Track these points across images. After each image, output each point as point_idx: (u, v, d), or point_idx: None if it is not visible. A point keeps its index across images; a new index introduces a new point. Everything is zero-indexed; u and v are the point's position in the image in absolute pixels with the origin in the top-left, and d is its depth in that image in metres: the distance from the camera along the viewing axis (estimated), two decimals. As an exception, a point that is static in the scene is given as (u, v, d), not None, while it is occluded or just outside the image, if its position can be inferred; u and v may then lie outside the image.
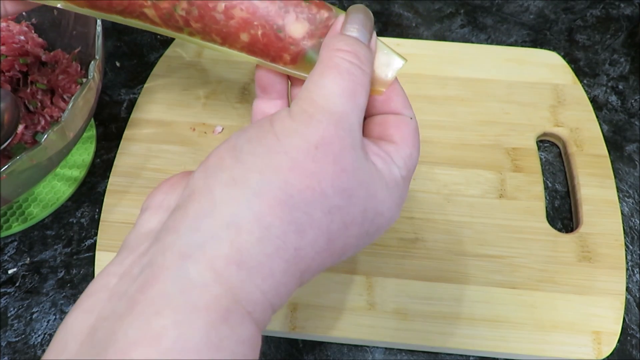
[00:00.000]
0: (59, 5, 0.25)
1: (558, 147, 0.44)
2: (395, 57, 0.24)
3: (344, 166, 0.20)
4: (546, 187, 0.42)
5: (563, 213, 0.41)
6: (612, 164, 0.42)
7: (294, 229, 0.19)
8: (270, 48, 0.23)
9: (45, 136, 0.30)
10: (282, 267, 0.19)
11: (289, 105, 0.26)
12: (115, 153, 0.42)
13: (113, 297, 0.18)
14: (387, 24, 0.52)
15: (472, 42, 0.51)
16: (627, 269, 0.38)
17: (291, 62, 0.24)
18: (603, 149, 0.42)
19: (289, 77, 0.26)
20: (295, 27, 0.23)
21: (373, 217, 0.21)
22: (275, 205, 0.19)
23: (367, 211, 0.21)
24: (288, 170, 0.19)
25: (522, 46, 0.50)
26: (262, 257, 0.18)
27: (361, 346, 0.36)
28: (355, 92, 0.21)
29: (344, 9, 0.24)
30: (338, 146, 0.20)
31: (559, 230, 0.40)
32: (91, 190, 0.42)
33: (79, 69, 0.41)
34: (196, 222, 0.18)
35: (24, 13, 0.42)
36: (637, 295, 0.38)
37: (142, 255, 0.19)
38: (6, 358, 0.35)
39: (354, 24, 0.23)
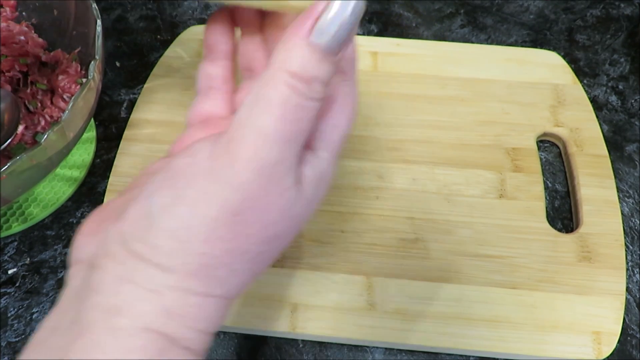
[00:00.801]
0: None
1: (558, 147, 0.44)
2: None
3: (271, 219, 0.19)
4: (546, 187, 0.42)
5: (563, 213, 0.41)
6: (612, 164, 0.42)
7: (217, 283, 0.19)
8: None
9: (45, 136, 0.30)
10: (214, 306, 0.19)
11: (233, 68, 0.25)
12: (115, 153, 0.42)
13: (48, 352, 0.18)
14: (387, 24, 0.52)
15: (472, 42, 0.51)
16: (627, 269, 0.38)
17: None
18: (603, 149, 0.42)
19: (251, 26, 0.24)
20: None
21: (299, 226, 0.21)
22: (193, 275, 0.18)
23: (295, 232, 0.20)
24: (203, 242, 0.18)
25: (522, 46, 0.50)
26: (190, 308, 0.18)
27: (361, 346, 0.36)
28: (297, 137, 0.18)
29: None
30: (264, 202, 0.18)
31: (559, 230, 0.40)
32: (91, 191, 0.42)
33: (79, 69, 0.41)
34: (117, 287, 0.18)
35: (23, 13, 0.42)
36: (637, 295, 0.38)
37: (66, 311, 0.19)
38: (6, 358, 0.35)
39: (331, 26, 0.17)
